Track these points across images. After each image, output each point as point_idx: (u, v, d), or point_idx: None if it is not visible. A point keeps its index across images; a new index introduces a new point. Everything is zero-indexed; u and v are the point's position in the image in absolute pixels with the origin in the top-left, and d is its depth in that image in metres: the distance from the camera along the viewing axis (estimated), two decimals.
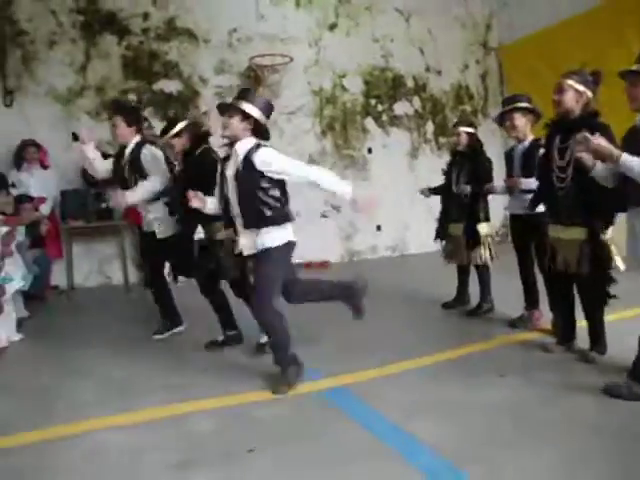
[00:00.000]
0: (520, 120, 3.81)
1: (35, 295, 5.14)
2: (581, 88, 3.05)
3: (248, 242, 3.03)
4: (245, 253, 3.08)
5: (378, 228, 7.93)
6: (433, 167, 7.49)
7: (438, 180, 4.75)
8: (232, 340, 3.84)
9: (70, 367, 3.52)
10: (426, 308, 4.71)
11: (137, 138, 3.93)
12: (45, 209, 5.81)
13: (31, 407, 2.92)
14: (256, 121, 2.98)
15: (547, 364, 3.22)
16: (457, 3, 8.64)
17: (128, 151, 3.91)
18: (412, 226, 7.93)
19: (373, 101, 7.99)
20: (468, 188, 4.30)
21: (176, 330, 4.23)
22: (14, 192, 5.30)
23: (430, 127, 8.38)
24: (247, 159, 2.93)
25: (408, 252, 8.03)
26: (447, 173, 4.62)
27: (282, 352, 3.07)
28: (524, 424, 2.47)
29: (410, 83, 8.25)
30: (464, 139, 4.40)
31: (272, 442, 2.40)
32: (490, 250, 4.33)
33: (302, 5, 7.52)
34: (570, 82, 3.07)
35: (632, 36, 6.64)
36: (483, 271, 4.45)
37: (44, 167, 5.98)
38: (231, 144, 3.05)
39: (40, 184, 5.83)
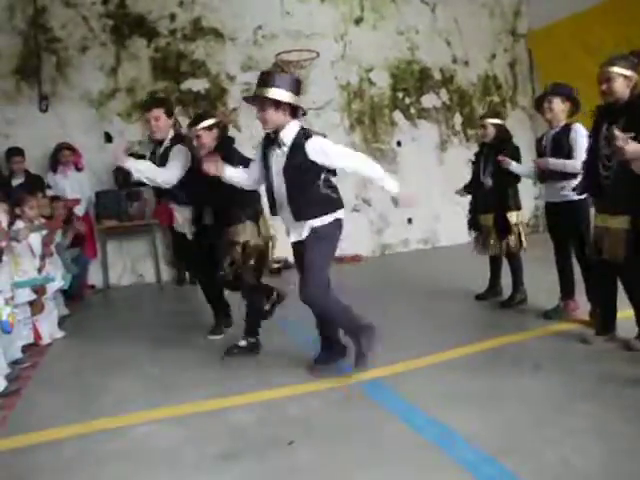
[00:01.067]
0: (558, 105, 3.75)
1: (74, 294, 5.30)
2: (629, 73, 2.98)
3: (296, 231, 2.98)
4: (292, 240, 3.03)
5: (409, 221, 7.90)
6: (462, 159, 7.45)
7: (467, 172, 4.73)
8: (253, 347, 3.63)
9: (110, 363, 3.62)
10: (459, 300, 4.68)
11: (172, 133, 3.91)
12: (80, 210, 5.97)
13: (75, 401, 3.02)
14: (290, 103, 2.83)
15: (585, 355, 3.18)
16: None
17: (165, 144, 3.83)
18: (443, 218, 7.88)
19: (400, 94, 7.94)
20: (490, 181, 4.27)
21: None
22: (50, 194, 5.45)
23: (458, 119, 8.30)
24: (296, 148, 2.82)
25: (439, 244, 7.99)
26: (475, 164, 4.60)
27: (352, 328, 3.00)
28: (563, 416, 2.44)
29: (437, 75, 8.17)
30: (491, 131, 4.37)
31: (312, 435, 2.43)
32: (521, 239, 4.30)
33: (327, 0, 7.51)
34: (617, 69, 2.99)
35: None
36: (514, 261, 4.42)
37: (78, 169, 6.14)
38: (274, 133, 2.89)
39: (75, 186, 6.00)
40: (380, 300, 4.99)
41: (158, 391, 3.07)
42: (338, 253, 5.10)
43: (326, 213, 2.93)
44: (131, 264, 6.70)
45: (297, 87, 2.90)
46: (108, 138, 6.56)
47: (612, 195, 3.08)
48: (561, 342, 3.46)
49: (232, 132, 6.95)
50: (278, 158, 2.91)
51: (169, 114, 3.86)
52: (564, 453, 2.13)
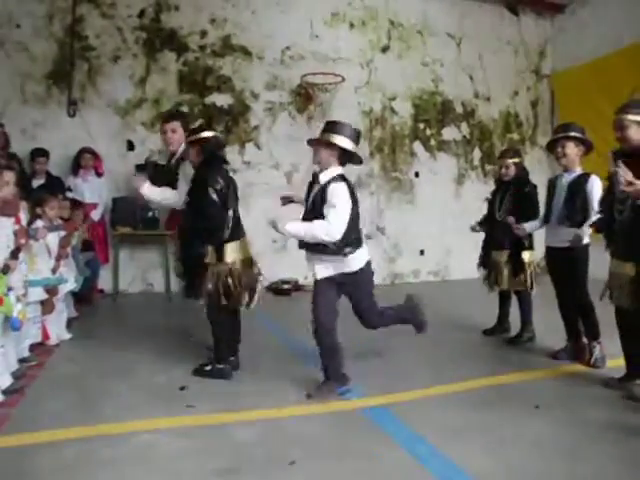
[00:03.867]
0: (572, 149, 3.76)
1: (83, 297, 5.33)
2: None
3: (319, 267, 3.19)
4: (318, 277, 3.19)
5: (421, 252, 7.90)
6: (478, 194, 7.42)
7: (482, 207, 4.73)
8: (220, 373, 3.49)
9: (116, 368, 3.63)
10: (467, 334, 4.67)
11: (184, 146, 3.86)
12: (96, 214, 6.05)
13: (78, 404, 3.02)
14: (341, 148, 3.11)
15: (591, 399, 3.15)
16: (510, 28, 8.64)
17: (177, 157, 3.89)
18: (455, 251, 7.87)
19: (422, 125, 8.02)
20: (512, 219, 4.19)
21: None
22: (70, 196, 5.52)
23: (477, 154, 8.35)
24: (324, 189, 3.07)
25: (450, 278, 7.96)
26: (491, 202, 4.60)
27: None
28: (567, 461, 2.41)
29: (459, 108, 8.25)
30: (512, 170, 4.38)
31: (313, 456, 2.42)
32: (533, 278, 4.29)
33: (356, 27, 7.65)
34: (631, 117, 3.05)
35: None
36: (525, 299, 4.41)
37: (98, 174, 6.21)
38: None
39: (93, 190, 6.07)
40: (389, 329, 4.98)
41: (162, 401, 3.07)
42: None
43: (327, 254, 3.08)
44: (142, 272, 6.73)
45: (357, 137, 3.23)
46: (130, 146, 6.67)
47: (622, 240, 3.09)
48: (568, 384, 3.44)
49: (252, 150, 7.13)
50: (313, 192, 3.20)
51: (186, 128, 3.91)
52: None
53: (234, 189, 3.53)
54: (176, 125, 3.95)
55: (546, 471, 2.31)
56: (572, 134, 3.78)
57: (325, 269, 3.16)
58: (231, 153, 6.98)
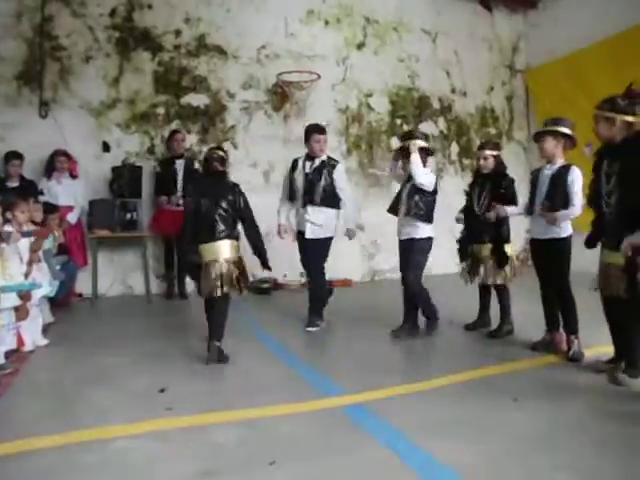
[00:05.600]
0: (549, 143, 3.80)
1: (60, 301, 5.24)
2: (610, 115, 3.09)
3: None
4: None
5: (378, 249, 7.92)
6: (457, 188, 7.47)
7: (462, 201, 4.75)
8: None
9: (93, 374, 3.56)
10: (447, 328, 4.68)
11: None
12: (72, 217, 5.95)
13: (54, 411, 2.96)
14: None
15: (570, 389, 3.19)
16: (484, 25, 8.72)
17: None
18: (435, 246, 7.85)
19: (399, 121, 8.05)
20: (493, 215, 4.25)
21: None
22: (43, 199, 5.42)
23: (455, 148, 8.40)
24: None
25: (430, 273, 7.92)
26: (469, 195, 4.61)
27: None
28: (546, 451, 2.43)
29: (436, 104, 8.30)
30: (490, 162, 4.40)
31: (292, 456, 2.40)
32: (514, 271, 4.33)
33: (331, 24, 7.65)
34: (599, 112, 3.16)
35: None
36: (503, 292, 4.44)
37: (73, 177, 6.11)
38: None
39: (68, 193, 5.97)
40: (369, 325, 4.98)
41: (140, 404, 3.02)
42: (328, 277, 5.21)
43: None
44: (121, 275, 6.65)
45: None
46: (106, 147, 6.57)
47: (612, 232, 3.15)
48: (547, 375, 3.47)
49: (229, 149, 7.06)
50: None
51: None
52: None
53: (202, 194, 3.81)
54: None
55: (527, 462, 2.32)
56: (550, 128, 3.81)
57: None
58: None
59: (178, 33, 6.90)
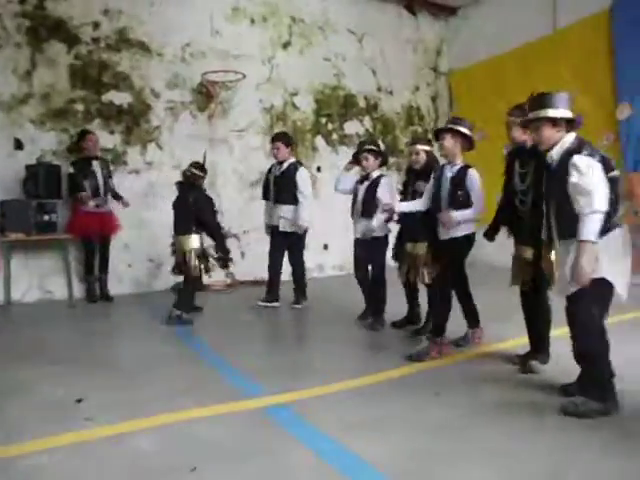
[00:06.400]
0: (448, 142, 3.84)
1: None
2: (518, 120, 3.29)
3: None
4: None
5: (325, 247, 7.99)
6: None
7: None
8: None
9: (6, 386, 3.36)
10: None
11: None
12: None
13: None
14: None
15: (488, 381, 3.33)
16: (409, 27, 8.95)
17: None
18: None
19: (324, 120, 8.12)
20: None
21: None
22: None
23: (381, 146, 8.54)
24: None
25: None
26: (404, 193, 4.55)
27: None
28: (464, 441, 2.54)
29: (361, 103, 8.43)
30: (422, 157, 4.32)
31: (215, 460, 2.38)
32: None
33: (257, 22, 7.59)
34: (510, 118, 3.40)
35: (565, 69, 7.06)
36: (432, 290, 4.49)
37: None
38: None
39: None
40: (292, 325, 5.01)
41: (57, 417, 2.88)
42: (256, 276, 5.17)
43: None
44: (38, 280, 6.31)
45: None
46: (18, 144, 6.21)
47: (524, 228, 3.39)
48: (467, 368, 3.61)
49: (153, 150, 6.89)
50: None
51: None
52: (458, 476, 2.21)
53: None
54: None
55: (447, 452, 2.42)
56: (449, 126, 3.89)
57: None
58: (133, 154, 6.71)
59: (97, 25, 6.60)
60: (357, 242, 4.96)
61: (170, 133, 7.03)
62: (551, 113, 2.84)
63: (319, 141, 8.11)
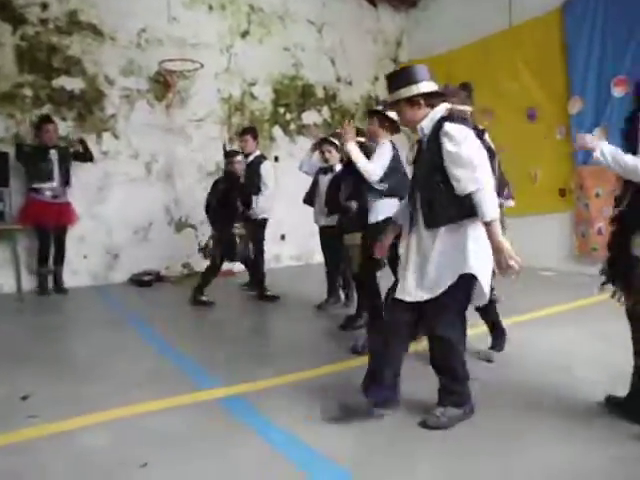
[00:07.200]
0: (373, 123, 3.82)
1: None
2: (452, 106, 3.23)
3: None
4: None
5: (282, 237, 7.98)
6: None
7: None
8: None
9: None
10: (330, 318, 4.78)
11: None
12: None
13: None
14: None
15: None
16: (369, 18, 8.95)
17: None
18: (317, 235, 7.96)
19: (282, 109, 8.07)
20: (354, 204, 4.05)
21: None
22: None
23: None
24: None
25: (313, 261, 8.07)
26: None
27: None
28: (417, 432, 2.57)
29: (320, 93, 8.41)
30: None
31: (167, 455, 2.36)
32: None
33: (215, 10, 7.45)
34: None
35: (522, 64, 7.23)
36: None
37: None
38: None
39: None
40: (249, 316, 5.00)
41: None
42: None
43: None
44: None
45: None
46: None
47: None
48: (424, 357, 3.65)
49: (109, 139, 6.71)
50: None
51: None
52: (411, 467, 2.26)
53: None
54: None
55: (388, 443, 2.46)
56: (376, 108, 3.93)
57: None
58: (88, 143, 6.48)
59: (45, 6, 6.32)
60: (322, 230, 5.21)
61: (126, 122, 6.86)
62: (404, 93, 2.57)
63: (277, 131, 8.06)
